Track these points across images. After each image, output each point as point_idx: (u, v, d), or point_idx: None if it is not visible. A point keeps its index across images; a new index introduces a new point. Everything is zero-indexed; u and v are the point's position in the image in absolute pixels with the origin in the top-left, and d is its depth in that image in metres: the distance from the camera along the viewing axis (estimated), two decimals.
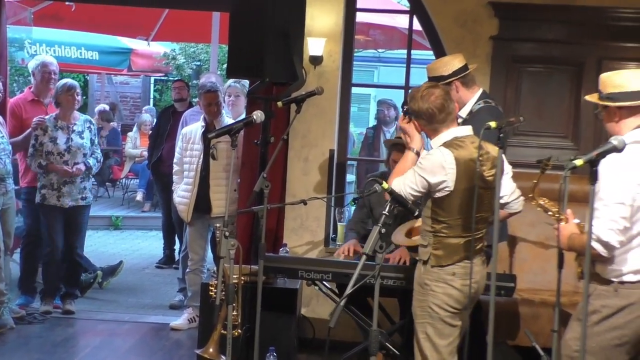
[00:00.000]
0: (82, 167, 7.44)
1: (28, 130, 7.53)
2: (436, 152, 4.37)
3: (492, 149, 4.35)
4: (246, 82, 7.81)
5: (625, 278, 3.91)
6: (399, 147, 5.47)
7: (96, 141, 7.73)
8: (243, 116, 7.59)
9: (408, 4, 7.53)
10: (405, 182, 4.30)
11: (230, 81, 7.94)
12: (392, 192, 4.06)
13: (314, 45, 6.93)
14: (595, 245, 3.75)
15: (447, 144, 4.40)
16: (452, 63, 5.29)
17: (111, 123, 15.41)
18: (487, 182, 4.35)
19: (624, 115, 3.95)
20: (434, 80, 5.11)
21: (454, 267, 4.39)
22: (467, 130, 4.53)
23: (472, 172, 4.28)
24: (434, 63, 5.44)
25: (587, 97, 4.18)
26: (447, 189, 4.33)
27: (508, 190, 4.53)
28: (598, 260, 3.88)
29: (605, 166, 3.63)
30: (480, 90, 5.41)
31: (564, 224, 3.94)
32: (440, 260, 4.37)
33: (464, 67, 5.28)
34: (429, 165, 4.32)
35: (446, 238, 4.39)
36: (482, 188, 4.25)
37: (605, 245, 3.77)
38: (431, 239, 4.42)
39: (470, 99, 5.31)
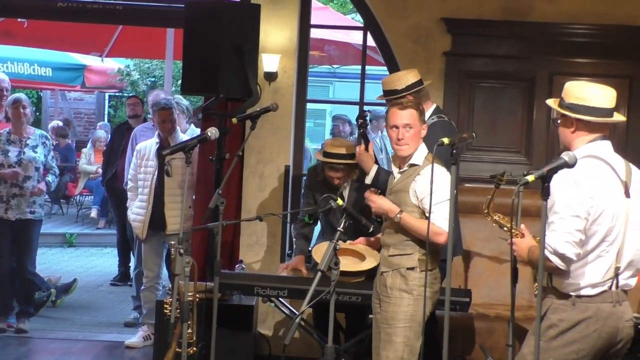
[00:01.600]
0: (43, 186, 7.39)
1: None
2: (441, 174, 4.58)
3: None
4: (180, 99, 7.82)
5: (583, 292, 3.89)
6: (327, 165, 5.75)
7: (50, 157, 7.66)
8: (189, 132, 7.60)
9: (362, 20, 7.57)
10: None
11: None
12: (345, 209, 4.08)
13: (268, 62, 6.94)
14: (553, 258, 3.74)
15: (436, 159, 4.57)
16: (406, 77, 5.32)
17: (66, 139, 15.28)
18: None
19: (580, 127, 3.96)
20: (388, 94, 5.16)
21: (436, 271, 4.68)
22: None
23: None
24: (388, 77, 5.48)
25: (549, 102, 4.18)
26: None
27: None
28: (555, 273, 3.87)
29: (560, 180, 3.66)
30: (434, 106, 5.46)
31: (520, 239, 3.96)
32: (429, 264, 4.56)
33: (419, 82, 5.31)
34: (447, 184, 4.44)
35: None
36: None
37: (562, 257, 3.76)
38: (415, 246, 4.61)
39: (428, 111, 5.34)
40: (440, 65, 6.96)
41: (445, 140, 3.68)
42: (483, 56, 6.97)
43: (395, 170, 4.82)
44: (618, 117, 4.10)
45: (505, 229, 4.12)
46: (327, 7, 13.88)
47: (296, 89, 7.21)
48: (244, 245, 7.05)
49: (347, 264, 5.16)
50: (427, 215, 4.42)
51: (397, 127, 4.68)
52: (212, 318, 5.14)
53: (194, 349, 5.18)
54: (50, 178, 7.53)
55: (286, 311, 6.12)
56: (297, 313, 5.86)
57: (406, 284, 4.63)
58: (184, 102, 7.99)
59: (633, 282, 4.00)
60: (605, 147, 3.98)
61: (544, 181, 3.38)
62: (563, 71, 6.94)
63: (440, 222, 4.47)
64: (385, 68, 7.48)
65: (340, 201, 4.11)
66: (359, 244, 5.36)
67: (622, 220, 3.89)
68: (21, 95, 7.61)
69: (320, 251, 5.23)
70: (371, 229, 4.19)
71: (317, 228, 6.38)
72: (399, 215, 4.59)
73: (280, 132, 7.10)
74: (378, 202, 4.73)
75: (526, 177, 3.36)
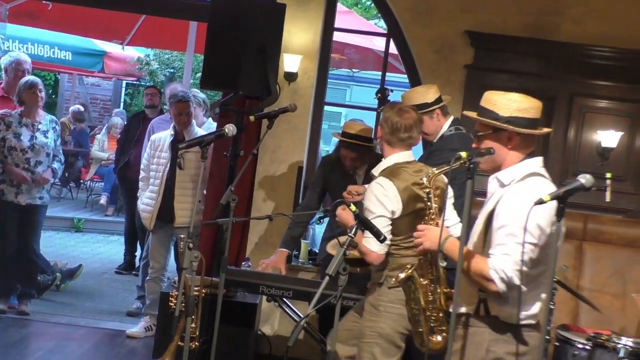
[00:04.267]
0: (49, 175, 7.41)
1: None
2: (376, 186, 4.51)
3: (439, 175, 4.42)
4: (197, 92, 7.84)
5: (526, 321, 3.67)
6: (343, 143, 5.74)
7: (58, 143, 7.67)
8: (205, 126, 7.61)
9: (385, 26, 7.56)
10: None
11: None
12: (358, 216, 4.06)
13: (289, 62, 6.94)
14: (500, 284, 3.52)
15: (388, 172, 4.57)
16: (430, 92, 5.34)
17: (82, 124, 15.33)
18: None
19: (518, 142, 3.70)
20: (420, 107, 5.14)
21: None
22: (408, 156, 4.69)
23: (416, 196, 4.44)
24: (411, 92, 5.48)
25: (470, 114, 3.87)
26: (396, 214, 4.48)
27: (450, 214, 4.59)
28: (491, 298, 3.64)
29: (521, 200, 3.51)
30: (452, 118, 5.46)
31: (434, 227, 3.80)
32: (392, 281, 4.38)
33: (440, 98, 5.36)
34: (382, 199, 4.43)
35: (399, 258, 4.48)
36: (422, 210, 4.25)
37: (509, 284, 3.53)
38: (386, 261, 4.51)
39: (444, 125, 5.38)
40: (460, 77, 6.94)
41: (463, 153, 3.65)
42: (504, 72, 6.95)
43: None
44: (547, 129, 3.91)
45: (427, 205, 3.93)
46: (351, 11, 13.89)
47: (315, 90, 7.21)
48: (252, 243, 7.05)
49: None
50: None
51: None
52: (215, 313, 5.15)
53: (196, 343, 5.18)
54: (56, 165, 7.53)
55: (289, 312, 6.11)
56: (300, 314, 5.91)
57: (375, 298, 4.58)
58: (201, 95, 7.99)
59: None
60: (540, 163, 3.76)
61: (560, 202, 3.34)
62: (583, 92, 6.94)
63: (367, 240, 4.42)
64: (404, 76, 7.47)
65: (353, 207, 4.09)
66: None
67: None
68: (36, 78, 7.60)
69: (334, 245, 5.21)
70: (382, 237, 4.17)
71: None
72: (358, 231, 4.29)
73: (296, 132, 7.09)
74: (343, 216, 4.63)
75: (541, 197, 3.32)
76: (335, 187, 5.88)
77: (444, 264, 3.88)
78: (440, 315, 3.96)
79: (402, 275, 3.99)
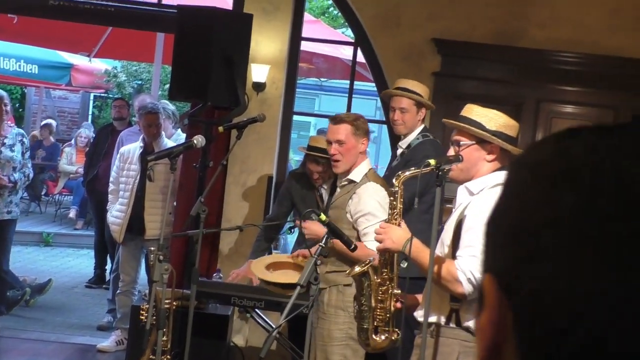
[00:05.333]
0: (5, 180, 7.29)
1: None
2: (378, 191, 4.56)
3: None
4: (166, 104, 7.83)
5: None
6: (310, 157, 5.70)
7: (27, 156, 7.59)
8: (174, 137, 7.59)
9: (353, 35, 7.58)
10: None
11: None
12: (329, 224, 4.06)
13: (257, 72, 6.94)
14: (467, 285, 3.50)
15: (373, 177, 4.70)
16: (428, 93, 5.56)
17: (50, 137, 15.22)
18: None
19: (499, 156, 3.73)
20: (418, 96, 5.38)
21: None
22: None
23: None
24: (417, 83, 5.56)
25: (450, 122, 3.88)
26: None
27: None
28: (464, 309, 3.62)
29: (490, 205, 3.48)
30: (423, 126, 5.49)
31: (395, 226, 3.75)
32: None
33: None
34: (384, 204, 4.40)
35: None
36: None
37: (475, 285, 3.50)
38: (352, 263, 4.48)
39: (415, 131, 5.43)
40: (428, 85, 6.93)
41: (432, 161, 3.66)
42: (472, 79, 6.99)
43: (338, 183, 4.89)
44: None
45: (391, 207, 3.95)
46: (318, 20, 13.91)
47: (283, 100, 7.21)
48: (223, 254, 7.03)
49: (290, 277, 5.07)
50: (360, 236, 4.45)
51: (330, 143, 4.72)
52: (186, 326, 5.11)
53: (168, 356, 5.14)
54: (17, 175, 7.40)
55: (261, 322, 6.08)
56: (272, 325, 5.88)
57: (342, 300, 4.60)
58: (171, 107, 7.97)
59: None
60: None
61: None
62: (550, 98, 7.00)
63: (368, 243, 4.40)
64: (372, 84, 7.49)
65: (323, 216, 4.09)
66: (300, 257, 5.29)
67: None
68: (2, 92, 7.52)
69: (258, 266, 5.20)
70: (353, 246, 4.17)
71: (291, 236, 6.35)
72: (329, 240, 4.29)
73: (265, 142, 7.08)
74: (311, 228, 4.66)
75: None
76: (302, 201, 5.86)
77: (405, 264, 3.87)
78: (387, 315, 3.96)
79: (357, 269, 3.98)
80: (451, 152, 3.77)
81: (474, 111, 3.78)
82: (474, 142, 3.72)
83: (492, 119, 3.74)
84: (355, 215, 4.57)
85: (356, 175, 4.72)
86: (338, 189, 4.83)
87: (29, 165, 7.67)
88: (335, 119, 4.75)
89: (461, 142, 3.74)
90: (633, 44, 6.87)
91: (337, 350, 4.59)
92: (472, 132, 3.72)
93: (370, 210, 4.52)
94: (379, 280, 3.94)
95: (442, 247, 3.72)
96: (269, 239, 6.14)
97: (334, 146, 4.69)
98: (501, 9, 6.98)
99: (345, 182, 4.75)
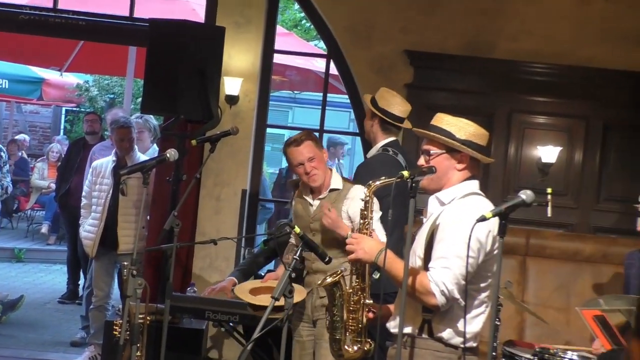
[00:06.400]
0: None
1: None
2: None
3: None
4: (150, 118, 7.80)
5: (469, 344, 3.61)
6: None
7: (5, 169, 7.54)
8: (150, 151, 7.55)
9: (325, 48, 7.59)
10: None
11: (133, 117, 7.90)
12: (303, 237, 4.05)
13: (230, 85, 6.93)
14: (440, 297, 3.47)
15: (353, 182, 4.85)
16: (392, 102, 5.45)
17: (19, 152, 15.11)
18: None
19: (469, 165, 3.71)
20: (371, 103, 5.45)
21: None
22: None
23: None
24: (391, 93, 5.55)
25: (419, 131, 3.83)
26: None
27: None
28: (436, 319, 3.60)
29: (464, 213, 3.51)
30: (391, 139, 5.46)
31: (368, 237, 3.76)
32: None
33: (395, 116, 5.43)
34: None
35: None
36: None
37: (452, 299, 3.49)
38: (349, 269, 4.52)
39: (379, 143, 5.44)
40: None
41: (405, 173, 3.66)
42: (444, 90, 7.03)
43: (309, 198, 4.91)
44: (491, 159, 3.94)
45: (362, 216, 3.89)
46: (291, 33, 13.92)
47: (257, 113, 7.20)
48: (197, 268, 7.00)
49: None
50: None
51: (302, 164, 4.81)
52: (161, 340, 5.08)
53: None
54: None
55: (237, 336, 6.06)
56: (247, 338, 5.86)
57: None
58: (153, 121, 7.94)
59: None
60: (478, 185, 3.76)
61: (502, 218, 3.34)
62: (522, 109, 7.05)
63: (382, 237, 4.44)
64: (346, 96, 7.50)
65: (297, 229, 4.08)
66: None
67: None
68: None
69: (242, 290, 5.18)
70: (327, 258, 4.16)
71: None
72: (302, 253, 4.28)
73: (238, 155, 7.07)
74: (334, 218, 4.69)
75: (483, 214, 3.32)
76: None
77: (377, 275, 3.87)
78: (360, 326, 3.95)
79: (329, 280, 3.97)
80: (421, 161, 3.77)
81: (444, 120, 3.77)
82: (443, 151, 3.71)
83: (462, 128, 3.72)
84: (355, 218, 4.59)
85: (336, 183, 4.88)
86: (316, 202, 4.83)
87: (8, 178, 7.61)
88: (296, 142, 4.84)
89: (431, 151, 3.74)
90: (602, 55, 6.94)
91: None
92: (442, 141, 3.70)
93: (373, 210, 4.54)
94: (350, 290, 3.94)
95: (414, 257, 3.72)
96: (256, 265, 6.18)
97: (307, 165, 4.80)
98: (472, 21, 7.02)
99: (327, 193, 4.80)
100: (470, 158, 3.71)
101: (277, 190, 11.50)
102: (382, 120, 5.41)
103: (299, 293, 5.08)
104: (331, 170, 4.95)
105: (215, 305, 5.61)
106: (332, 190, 4.83)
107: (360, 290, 3.90)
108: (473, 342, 3.66)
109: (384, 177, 3.80)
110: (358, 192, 4.59)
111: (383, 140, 5.43)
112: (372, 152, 5.45)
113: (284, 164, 14.04)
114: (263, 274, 6.41)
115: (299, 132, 5.08)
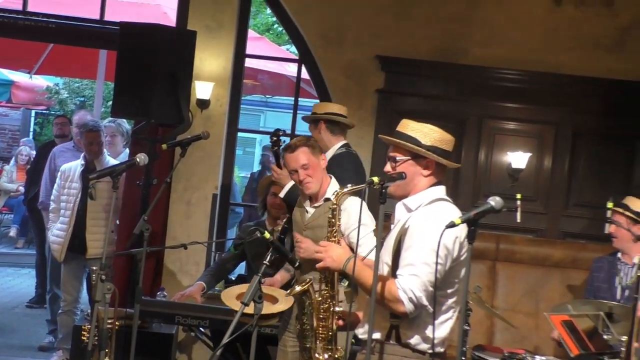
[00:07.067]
0: None
1: None
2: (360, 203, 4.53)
3: None
4: (122, 122, 7.75)
5: (437, 349, 3.61)
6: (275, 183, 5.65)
7: None
8: (123, 155, 7.51)
9: (297, 52, 7.60)
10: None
11: (106, 120, 7.85)
12: (272, 242, 4.04)
13: (201, 89, 6.91)
14: (408, 305, 3.47)
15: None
16: (329, 107, 5.59)
17: None
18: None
19: (435, 171, 3.72)
20: (311, 115, 5.51)
21: None
22: None
23: None
24: (325, 103, 5.63)
25: (386, 138, 3.84)
26: None
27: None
28: (404, 325, 3.60)
29: (432, 220, 3.52)
30: (344, 142, 5.58)
31: (336, 245, 3.79)
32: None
33: (338, 115, 5.52)
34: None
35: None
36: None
37: (421, 306, 3.50)
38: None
39: (334, 146, 5.52)
40: (372, 102, 7.01)
41: (375, 178, 3.66)
42: (415, 95, 7.05)
43: (307, 204, 4.82)
44: (457, 164, 3.97)
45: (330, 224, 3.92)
46: (262, 37, 13.90)
47: (228, 117, 7.19)
48: (167, 272, 6.96)
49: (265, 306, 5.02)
50: (355, 248, 4.42)
51: (296, 171, 4.72)
52: (130, 345, 5.05)
53: None
54: None
55: (207, 340, 6.03)
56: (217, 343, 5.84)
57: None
58: (126, 125, 7.89)
59: None
60: (445, 191, 3.77)
61: (470, 225, 3.34)
62: (492, 115, 7.08)
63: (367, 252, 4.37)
64: (317, 101, 7.49)
65: (267, 234, 4.08)
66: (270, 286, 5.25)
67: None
68: None
69: (229, 295, 5.17)
70: (297, 264, 4.15)
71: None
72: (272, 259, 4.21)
73: (210, 159, 7.05)
74: (305, 247, 4.56)
75: (452, 220, 3.32)
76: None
77: (345, 283, 3.86)
78: (330, 334, 3.94)
79: (297, 289, 3.96)
80: (388, 167, 3.77)
81: (409, 126, 3.78)
82: (409, 157, 3.72)
83: (427, 134, 3.73)
84: (346, 230, 4.51)
85: (331, 192, 4.68)
86: (311, 209, 4.77)
87: None
88: (290, 148, 4.74)
89: (397, 158, 3.74)
90: (572, 62, 6.99)
91: None
92: (407, 147, 3.71)
93: (364, 222, 4.47)
94: (319, 298, 3.93)
95: (382, 264, 3.71)
96: (224, 273, 6.18)
97: (300, 172, 4.69)
98: (443, 27, 7.05)
99: (322, 202, 4.72)
100: (436, 164, 3.72)
101: (248, 194, 11.48)
102: (326, 122, 5.51)
103: (286, 302, 5.06)
104: (330, 178, 4.81)
105: (185, 310, 5.59)
106: (327, 199, 4.73)
107: (330, 297, 3.89)
108: (440, 347, 3.67)
109: (350, 185, 3.82)
110: (351, 204, 4.54)
111: (337, 143, 5.54)
112: (330, 153, 5.45)
113: (256, 168, 14.03)
114: (233, 278, 6.42)
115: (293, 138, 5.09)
